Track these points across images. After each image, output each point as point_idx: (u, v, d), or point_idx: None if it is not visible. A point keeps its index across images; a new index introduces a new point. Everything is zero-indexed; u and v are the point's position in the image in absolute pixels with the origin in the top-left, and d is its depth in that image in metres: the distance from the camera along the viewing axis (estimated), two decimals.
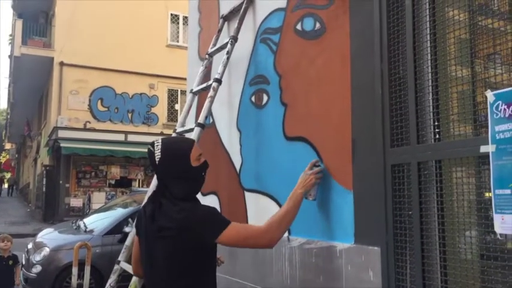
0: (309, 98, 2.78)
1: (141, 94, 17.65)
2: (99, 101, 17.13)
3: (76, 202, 15.37)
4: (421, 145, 1.99)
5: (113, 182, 16.61)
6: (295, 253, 2.77)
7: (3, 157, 45.44)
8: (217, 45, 3.59)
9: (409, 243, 2.04)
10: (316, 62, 2.74)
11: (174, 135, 3.52)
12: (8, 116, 31.40)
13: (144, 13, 17.22)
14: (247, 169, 3.39)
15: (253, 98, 3.34)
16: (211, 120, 3.93)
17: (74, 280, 6.00)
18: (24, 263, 6.98)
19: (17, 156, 37.82)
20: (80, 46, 16.43)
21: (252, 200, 3.28)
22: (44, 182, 16.60)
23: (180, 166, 1.88)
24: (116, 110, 17.30)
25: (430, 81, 1.99)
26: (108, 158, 16.17)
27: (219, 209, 3.72)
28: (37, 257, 6.83)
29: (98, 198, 15.20)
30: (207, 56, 3.69)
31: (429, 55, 2.00)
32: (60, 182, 15.67)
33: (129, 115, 17.41)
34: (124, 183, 16.56)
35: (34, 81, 19.15)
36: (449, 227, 1.92)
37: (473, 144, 1.74)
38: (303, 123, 2.81)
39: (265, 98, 3.20)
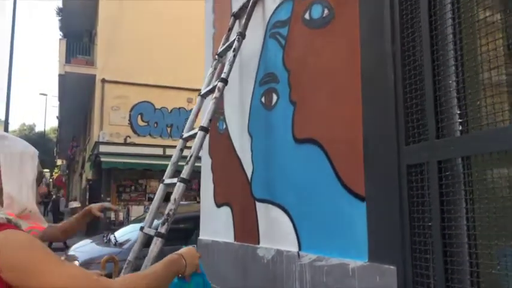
0: (317, 94, 2.45)
1: (179, 108, 17.75)
2: (139, 116, 17.36)
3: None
4: (442, 140, 1.61)
5: (152, 195, 16.69)
6: (305, 271, 2.42)
7: (55, 173, 47.32)
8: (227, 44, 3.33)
9: (431, 261, 1.66)
10: (324, 52, 2.41)
11: (180, 141, 3.29)
12: (57, 133, 32.74)
13: (182, 29, 17.39)
14: (258, 177, 3.08)
15: (263, 99, 3.04)
16: (224, 126, 3.66)
17: None
18: None
19: (67, 172, 39.30)
20: (121, 63, 16.77)
21: (263, 212, 2.96)
22: (87, 196, 16.92)
23: None
24: (155, 125, 17.47)
25: (453, 60, 1.62)
26: (147, 171, 16.27)
27: (231, 222, 3.42)
28: None
29: (137, 211, 15.27)
30: (216, 56, 3.44)
31: (450, 29, 1.63)
32: (102, 196, 15.90)
33: (168, 129, 17.53)
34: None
35: (79, 99, 19.74)
36: (481, 241, 1.53)
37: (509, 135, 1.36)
38: (312, 123, 2.48)
39: (274, 97, 2.89)
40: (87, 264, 6.79)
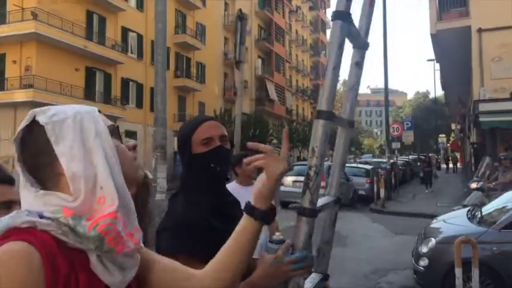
0: None
1: None
2: None
3: None
4: None
5: None
6: None
7: (452, 137, 47.00)
8: None
9: None
10: None
11: None
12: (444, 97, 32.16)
13: None
14: None
15: None
16: None
17: (458, 282, 4.85)
18: (413, 251, 6.41)
19: (461, 135, 38.14)
20: (498, 6, 14.32)
21: None
22: (473, 161, 15.53)
23: (182, 152, 1.56)
24: None
25: None
26: None
27: None
28: (424, 248, 6.03)
29: None
30: None
31: None
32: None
33: None
34: None
35: (456, 57, 18.31)
36: None
37: None
38: None
39: None
40: (445, 243, 5.84)
